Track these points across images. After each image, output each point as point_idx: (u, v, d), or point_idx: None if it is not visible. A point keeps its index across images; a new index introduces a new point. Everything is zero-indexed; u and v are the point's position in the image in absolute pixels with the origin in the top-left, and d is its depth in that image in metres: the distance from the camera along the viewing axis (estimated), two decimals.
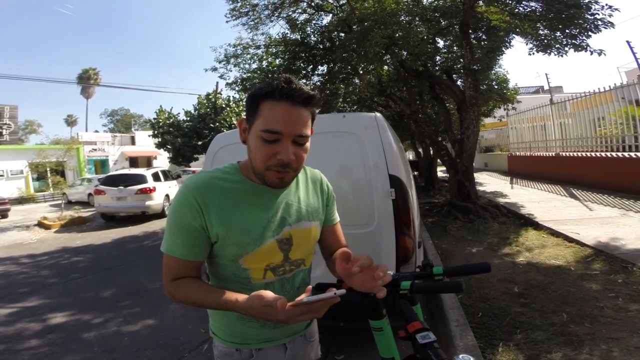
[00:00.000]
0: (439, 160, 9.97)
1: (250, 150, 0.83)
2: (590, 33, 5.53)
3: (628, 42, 7.57)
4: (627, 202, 5.96)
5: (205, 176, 0.86)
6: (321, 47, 7.95)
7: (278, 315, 0.67)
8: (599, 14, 5.37)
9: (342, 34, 7.46)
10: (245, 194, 0.87)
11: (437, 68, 8.10)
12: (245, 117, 0.86)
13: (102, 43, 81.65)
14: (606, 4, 5.30)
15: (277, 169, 0.81)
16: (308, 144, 0.85)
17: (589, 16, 5.40)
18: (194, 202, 0.81)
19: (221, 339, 0.95)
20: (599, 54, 5.64)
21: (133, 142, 29.20)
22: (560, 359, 2.00)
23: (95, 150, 25.13)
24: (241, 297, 0.76)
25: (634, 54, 7.43)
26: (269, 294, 0.71)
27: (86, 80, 39.23)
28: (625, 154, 7.25)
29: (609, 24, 5.37)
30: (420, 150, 13.47)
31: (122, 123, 49.33)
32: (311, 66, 8.35)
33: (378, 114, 2.38)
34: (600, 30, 5.44)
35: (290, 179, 0.86)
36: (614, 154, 7.60)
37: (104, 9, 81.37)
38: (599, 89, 8.02)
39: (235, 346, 0.93)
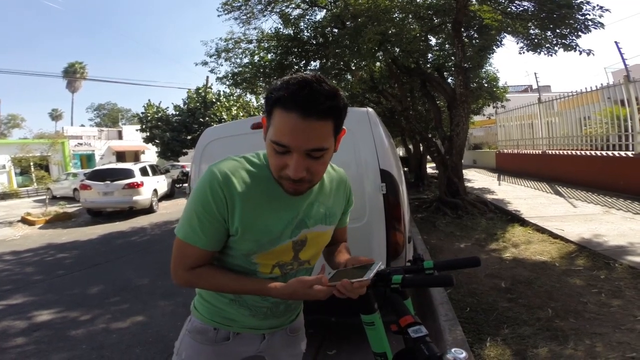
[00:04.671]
0: (428, 157, 10.05)
1: (267, 152, 0.80)
2: (580, 33, 5.62)
3: (616, 42, 7.74)
4: (609, 200, 6.12)
5: (235, 165, 0.82)
6: (314, 42, 7.91)
7: (319, 294, 0.75)
8: (589, 15, 5.46)
9: (336, 30, 7.44)
10: (270, 192, 0.83)
11: (428, 65, 8.15)
12: (266, 115, 0.80)
13: (89, 37, 79.81)
14: (597, 5, 5.39)
15: (289, 181, 0.77)
16: (329, 155, 0.78)
17: (579, 16, 5.49)
18: (219, 191, 0.77)
19: (202, 315, 0.96)
20: (588, 54, 5.74)
21: (120, 136, 28.66)
22: (546, 354, 2.04)
23: (81, 144, 24.59)
24: (278, 283, 0.81)
25: (621, 54, 7.64)
26: (307, 277, 0.79)
27: (72, 74, 38.23)
28: (610, 152, 7.43)
29: (599, 25, 5.47)
30: (411, 146, 13.57)
31: (109, 117, 48.27)
32: (304, 62, 8.30)
33: (370, 109, 2.38)
34: (590, 31, 5.54)
35: (305, 189, 0.82)
36: (598, 152, 7.78)
37: (91, 2, 79.32)
38: (585, 88, 8.18)
39: (215, 325, 0.95)
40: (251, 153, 0.88)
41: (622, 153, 7.05)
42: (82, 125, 35.51)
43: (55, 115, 45.10)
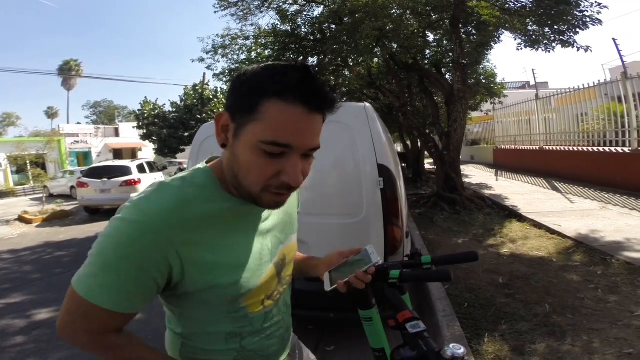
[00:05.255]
0: (426, 153, 10.06)
1: (237, 161, 0.60)
2: (578, 30, 5.64)
3: (614, 39, 7.71)
4: (606, 196, 6.15)
5: (176, 199, 0.60)
6: (312, 38, 7.87)
7: None
8: (587, 11, 5.46)
9: (333, 26, 7.40)
10: (233, 218, 0.66)
11: (426, 61, 8.14)
12: (229, 111, 0.61)
13: (85, 35, 79.38)
14: (595, 1, 5.39)
15: (279, 190, 0.61)
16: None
17: (577, 13, 5.49)
18: (166, 247, 0.57)
19: None
20: (585, 51, 5.74)
21: (117, 133, 28.51)
22: (544, 349, 2.05)
23: (77, 142, 24.44)
24: None
25: (619, 51, 7.58)
26: None
27: (67, 72, 37.94)
28: (607, 148, 7.45)
29: (596, 21, 5.47)
30: (409, 142, 13.56)
31: (105, 115, 48.06)
32: (301, 58, 8.26)
33: (367, 104, 2.37)
34: (588, 27, 5.56)
35: (287, 199, 0.66)
36: (595, 148, 7.81)
37: (86, 0, 78.58)
38: (583, 85, 8.20)
39: None
40: (187, 172, 0.67)
41: (619, 149, 7.08)
42: (79, 123, 35.35)
43: (51, 113, 44.83)
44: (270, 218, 0.74)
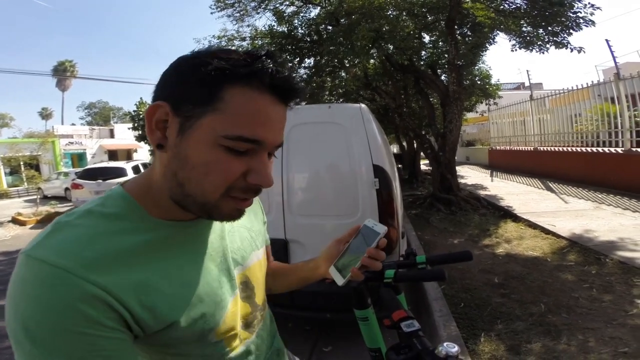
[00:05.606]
0: (422, 154, 10.11)
1: (185, 164, 0.48)
2: (571, 31, 5.70)
3: (607, 40, 7.79)
4: (600, 196, 6.21)
5: (85, 238, 0.46)
6: (308, 39, 7.88)
7: None
8: (581, 12, 5.53)
9: (330, 27, 7.42)
10: (169, 248, 0.52)
11: (422, 63, 8.17)
12: (169, 101, 0.48)
13: (79, 36, 78.79)
14: (588, 2, 5.46)
15: (244, 195, 0.52)
16: None
17: (571, 14, 5.55)
18: (93, 291, 0.42)
19: None
20: (579, 52, 5.81)
21: (112, 135, 28.33)
22: (539, 349, 2.06)
23: (72, 143, 24.24)
24: None
25: (612, 52, 7.66)
26: None
27: (62, 73, 37.66)
28: (600, 149, 7.53)
29: (590, 22, 5.54)
30: (404, 143, 13.63)
31: (100, 116, 47.71)
32: (298, 59, 8.27)
33: (363, 105, 2.38)
34: (582, 28, 5.62)
35: (248, 206, 0.55)
36: (589, 149, 7.88)
37: (82, 1, 78.16)
38: (576, 86, 8.28)
39: None
40: (94, 201, 0.52)
41: (612, 149, 7.16)
42: (73, 124, 35.03)
43: (45, 114, 44.41)
44: (221, 236, 0.61)
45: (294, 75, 0.50)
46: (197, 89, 0.47)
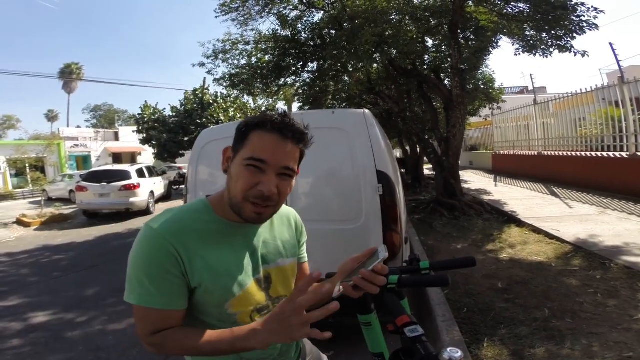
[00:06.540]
0: (425, 158, 10.10)
1: (230, 178, 0.79)
2: (575, 34, 5.67)
3: (611, 44, 7.79)
4: (605, 200, 6.16)
5: (176, 218, 0.78)
6: (312, 44, 7.92)
7: (325, 294, 0.70)
8: (584, 16, 5.51)
9: (333, 32, 7.45)
10: (221, 235, 0.81)
11: (425, 67, 8.18)
12: (232, 145, 0.82)
13: (86, 38, 79.41)
14: (592, 6, 5.44)
15: (256, 201, 0.76)
16: (293, 182, 0.82)
17: (574, 18, 5.54)
18: (170, 248, 0.73)
19: None
20: (583, 55, 5.80)
21: (117, 137, 28.57)
22: (543, 354, 2.05)
23: (77, 146, 24.48)
24: (255, 324, 0.71)
25: (615, 56, 7.67)
26: (296, 289, 0.70)
27: (68, 75, 38.04)
28: (604, 153, 7.48)
29: (593, 26, 5.52)
30: (408, 148, 13.60)
31: (105, 119, 48.10)
32: (301, 63, 8.31)
33: (367, 111, 2.40)
34: (585, 32, 5.60)
35: (269, 215, 0.81)
36: (593, 153, 7.84)
37: (89, 3, 79.09)
38: (580, 90, 8.24)
39: None
40: (186, 204, 0.87)
41: (617, 154, 7.11)
42: (78, 127, 35.36)
43: (51, 116, 44.84)
44: (258, 240, 0.87)
45: (291, 120, 0.77)
46: (240, 136, 0.80)
